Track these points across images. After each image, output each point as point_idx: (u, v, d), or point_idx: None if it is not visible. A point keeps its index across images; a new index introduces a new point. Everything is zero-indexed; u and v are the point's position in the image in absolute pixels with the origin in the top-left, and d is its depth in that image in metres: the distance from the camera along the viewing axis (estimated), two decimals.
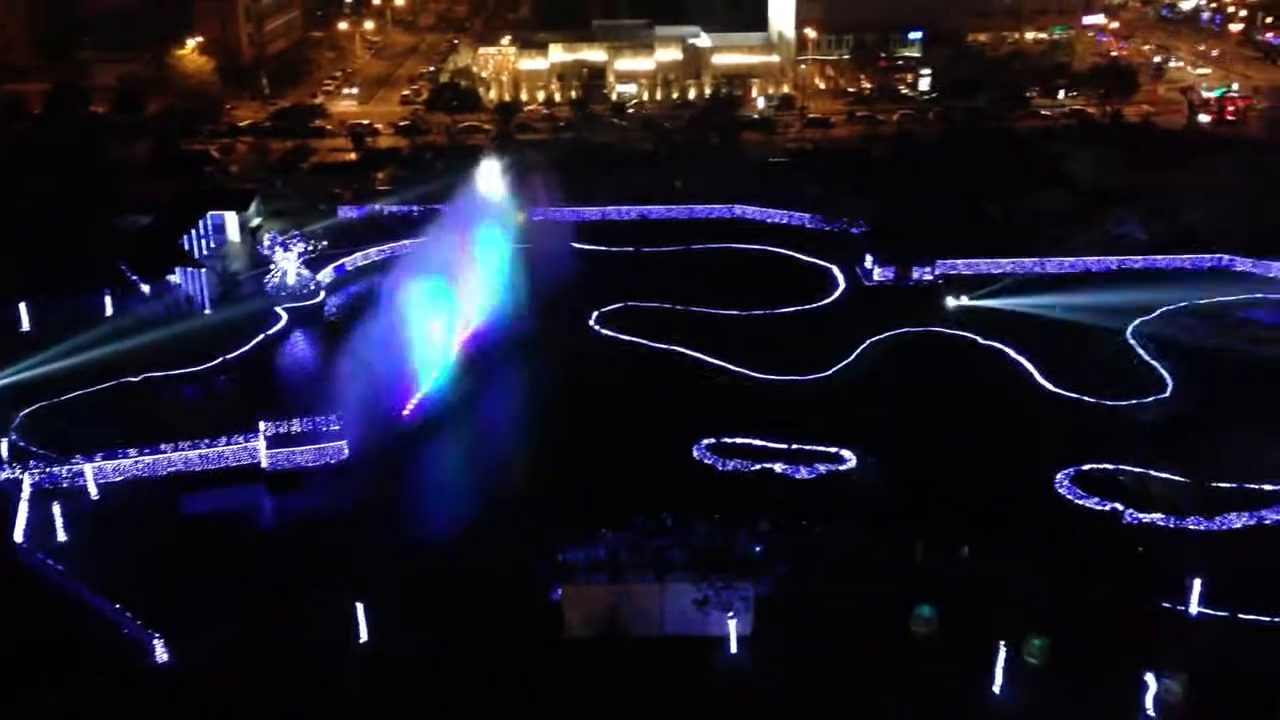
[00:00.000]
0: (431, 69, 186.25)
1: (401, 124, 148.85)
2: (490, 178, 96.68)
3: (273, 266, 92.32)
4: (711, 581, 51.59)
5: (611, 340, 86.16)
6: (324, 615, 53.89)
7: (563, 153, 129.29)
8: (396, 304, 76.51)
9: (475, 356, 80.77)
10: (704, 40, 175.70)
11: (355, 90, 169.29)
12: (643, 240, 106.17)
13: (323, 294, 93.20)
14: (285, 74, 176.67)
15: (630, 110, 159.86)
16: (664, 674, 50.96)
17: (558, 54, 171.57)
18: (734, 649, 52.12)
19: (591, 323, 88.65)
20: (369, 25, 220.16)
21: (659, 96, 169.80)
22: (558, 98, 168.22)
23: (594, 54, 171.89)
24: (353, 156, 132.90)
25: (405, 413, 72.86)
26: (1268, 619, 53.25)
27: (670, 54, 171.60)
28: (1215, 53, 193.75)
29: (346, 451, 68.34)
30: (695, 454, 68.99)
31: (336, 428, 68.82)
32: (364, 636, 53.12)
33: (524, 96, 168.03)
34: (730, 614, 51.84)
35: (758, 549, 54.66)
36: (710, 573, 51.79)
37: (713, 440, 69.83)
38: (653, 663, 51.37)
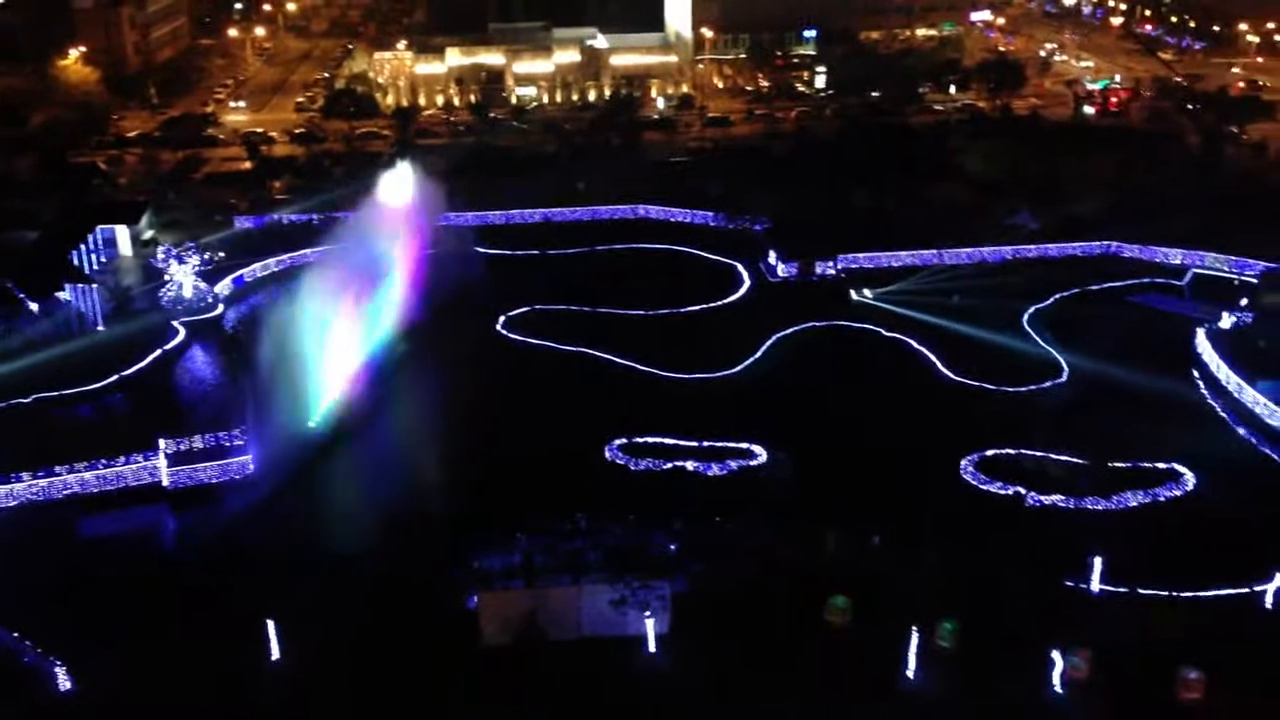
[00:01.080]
0: (326, 75, 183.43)
1: (297, 132, 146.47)
2: (391, 184, 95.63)
3: (168, 280, 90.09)
4: (628, 582, 51.74)
5: (519, 344, 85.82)
6: (233, 634, 52.74)
7: (464, 157, 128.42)
8: (299, 315, 75.24)
9: (382, 366, 79.75)
10: (601, 42, 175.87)
11: (243, 103, 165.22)
12: (548, 243, 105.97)
13: (221, 307, 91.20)
14: (174, 83, 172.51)
15: (530, 113, 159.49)
16: (583, 676, 50.90)
17: (455, 58, 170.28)
18: (652, 648, 52.27)
19: (499, 327, 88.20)
20: (260, 31, 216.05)
21: (559, 99, 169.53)
22: (456, 102, 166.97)
23: (492, 57, 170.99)
24: (247, 166, 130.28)
25: (312, 424, 71.65)
26: (1165, 593, 54.99)
27: (568, 56, 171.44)
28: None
29: (252, 466, 66.98)
30: (608, 455, 69.04)
31: (240, 442, 67.40)
32: (275, 654, 52.10)
33: (422, 101, 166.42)
34: (647, 613, 52.00)
35: (672, 547, 54.93)
36: (626, 573, 51.93)
37: (624, 440, 69.96)
38: (572, 666, 51.28)
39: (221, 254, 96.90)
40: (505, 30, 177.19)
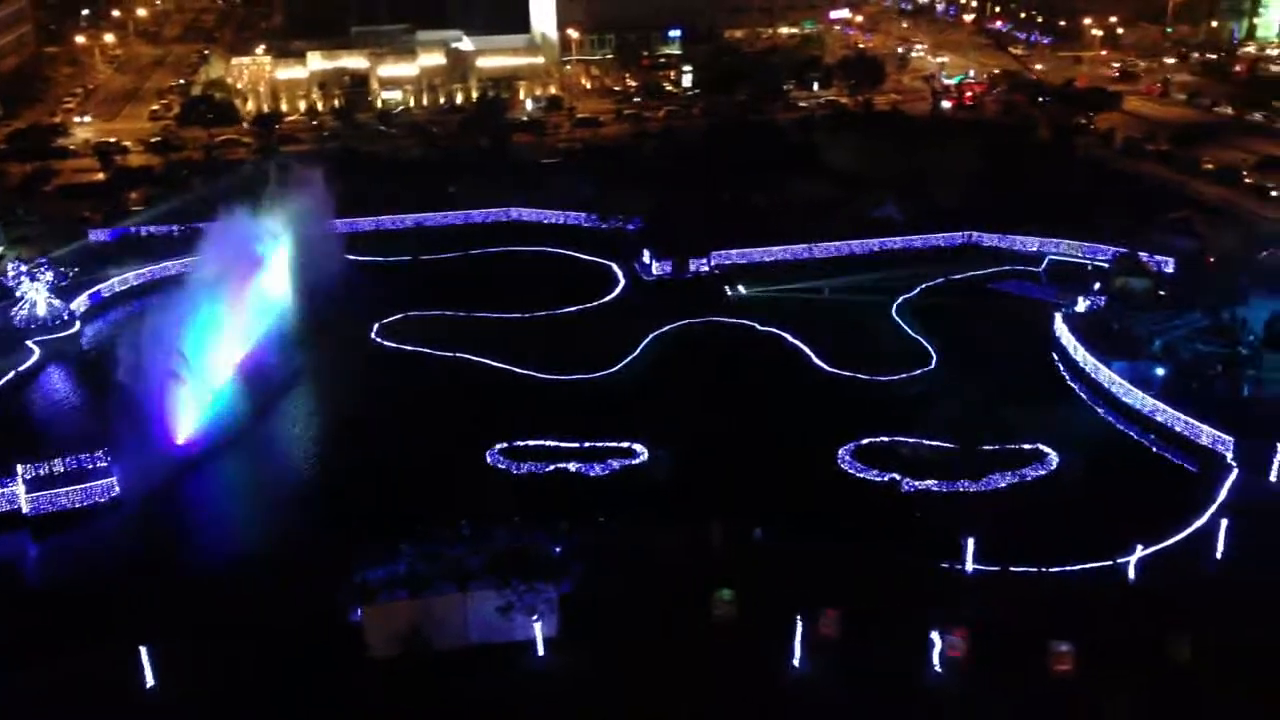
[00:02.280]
0: (181, 82, 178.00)
1: (153, 141, 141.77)
2: (254, 192, 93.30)
3: (20, 298, 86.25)
4: (514, 586, 51.35)
5: (394, 352, 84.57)
6: (105, 664, 50.73)
7: (330, 163, 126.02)
8: (162, 329, 72.83)
9: (252, 379, 77.68)
10: (467, 44, 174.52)
11: (88, 117, 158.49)
12: (419, 248, 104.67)
13: (78, 324, 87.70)
14: (19, 92, 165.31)
15: (397, 116, 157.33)
16: (472, 684, 50.36)
17: (317, 62, 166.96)
18: (541, 651, 52.01)
19: (372, 335, 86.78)
20: (109, 38, 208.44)
21: (425, 102, 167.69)
22: (320, 107, 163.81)
23: (355, 61, 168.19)
24: (101, 177, 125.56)
25: (179, 443, 69.40)
26: (1034, 569, 56.93)
27: (434, 59, 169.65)
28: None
29: (118, 489, 64.53)
30: (489, 460, 68.52)
31: (104, 464, 64.85)
32: (150, 681, 50.28)
33: (284, 107, 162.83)
34: (535, 617, 51.72)
35: (557, 549, 54.75)
36: (512, 577, 51.54)
37: (505, 445, 69.51)
38: (460, 674, 50.71)
39: (76, 269, 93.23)
40: (368, 33, 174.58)
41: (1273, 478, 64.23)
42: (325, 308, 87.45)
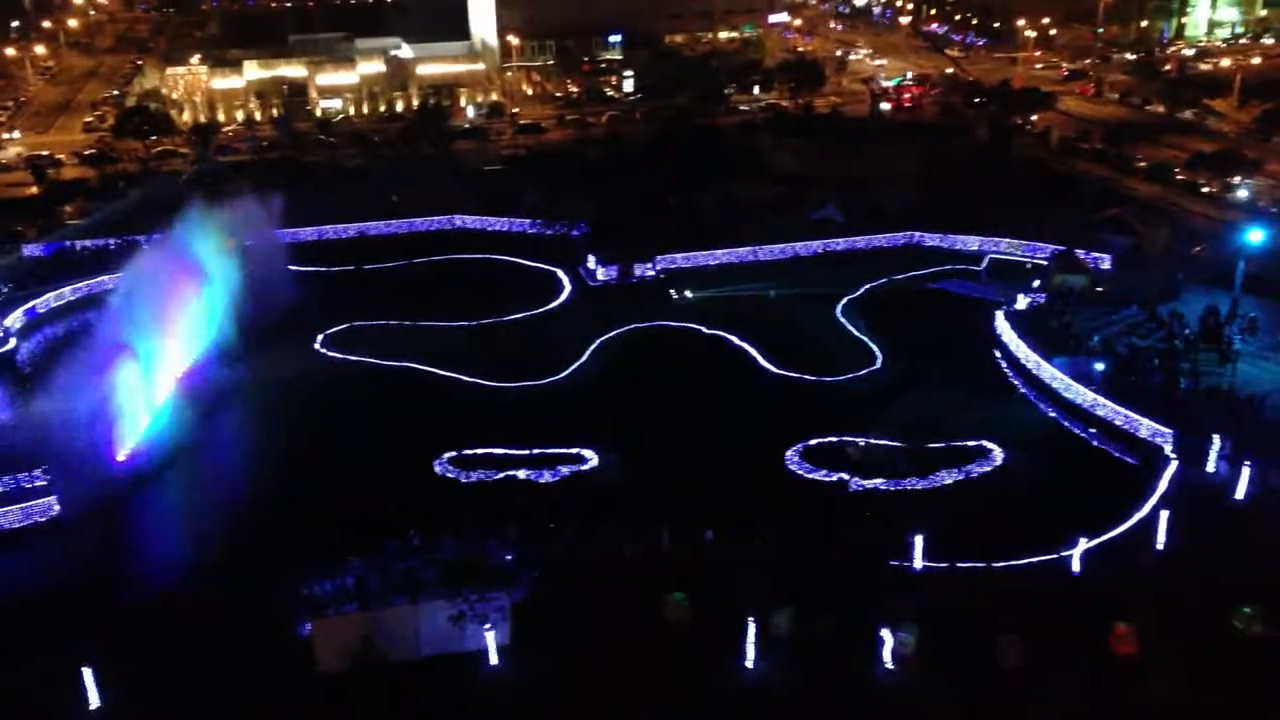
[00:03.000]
0: (116, 93, 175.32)
1: (87, 153, 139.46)
2: (193, 204, 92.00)
3: None
4: (465, 596, 51.09)
5: (340, 362, 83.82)
6: (47, 686, 49.71)
7: (269, 173, 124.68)
8: (100, 345, 71.57)
9: (195, 393, 76.62)
10: (406, 51, 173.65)
11: (17, 134, 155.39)
12: (363, 257, 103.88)
13: (13, 340, 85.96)
14: None
15: (337, 125, 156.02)
16: (425, 695, 50.03)
17: (254, 71, 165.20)
18: (494, 660, 51.78)
19: (317, 346, 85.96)
20: (40, 50, 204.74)
21: (365, 110, 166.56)
22: (258, 116, 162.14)
23: (293, 70, 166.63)
24: (34, 190, 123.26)
25: (121, 459, 68.26)
26: (982, 565, 57.65)
27: (373, 66, 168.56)
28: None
29: (58, 508, 63.29)
30: (438, 469, 68.12)
31: (43, 483, 63.57)
32: (95, 703, 49.35)
33: (221, 117, 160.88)
34: (487, 626, 51.48)
35: (509, 557, 54.56)
36: (463, 587, 51.28)
37: (454, 453, 69.14)
38: (412, 686, 50.35)
39: (9, 285, 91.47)
40: (305, 42, 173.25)
41: (1210, 468, 65.52)
42: (268, 319, 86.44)
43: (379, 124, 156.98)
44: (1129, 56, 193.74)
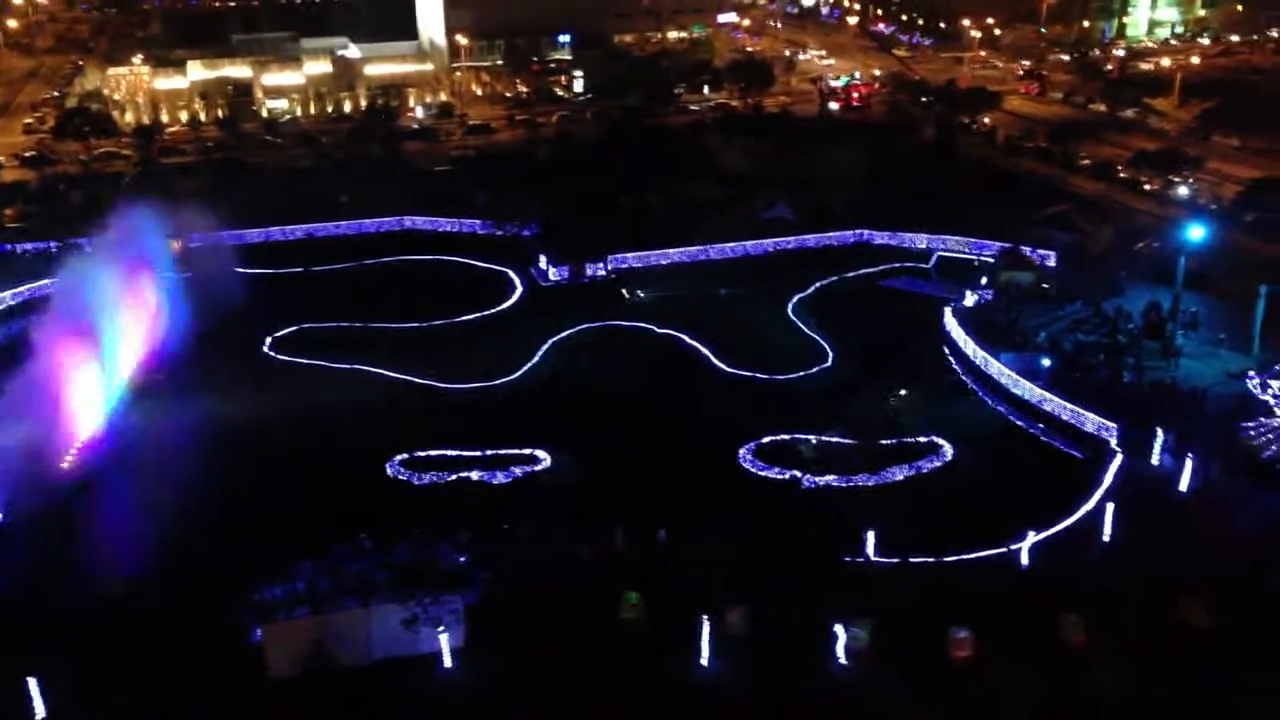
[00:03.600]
0: (56, 94, 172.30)
1: (27, 155, 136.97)
2: (136, 205, 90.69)
3: None
4: (418, 599, 50.77)
5: (290, 365, 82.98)
6: None
7: (215, 174, 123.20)
8: (42, 349, 70.30)
9: (140, 397, 75.48)
10: (354, 51, 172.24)
11: None
12: (312, 259, 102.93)
13: None
14: None
15: (283, 126, 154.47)
16: (378, 699, 49.67)
17: (198, 72, 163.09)
18: (448, 663, 51.51)
19: (266, 349, 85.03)
20: None
21: (312, 110, 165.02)
22: (203, 117, 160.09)
23: (237, 70, 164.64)
24: None
25: (65, 465, 67.08)
26: (933, 559, 58.20)
27: (320, 67, 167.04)
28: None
29: (1, 515, 62.07)
30: (390, 471, 67.62)
31: None
32: (40, 713, 48.47)
33: (165, 118, 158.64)
34: (440, 628, 51.20)
35: (462, 559, 54.29)
36: (416, 590, 50.96)
37: (406, 456, 68.67)
38: (365, 690, 49.95)
39: None
40: (250, 41, 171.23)
41: (1154, 461, 66.60)
42: (215, 322, 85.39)
43: (326, 124, 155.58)
44: (1064, 57, 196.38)
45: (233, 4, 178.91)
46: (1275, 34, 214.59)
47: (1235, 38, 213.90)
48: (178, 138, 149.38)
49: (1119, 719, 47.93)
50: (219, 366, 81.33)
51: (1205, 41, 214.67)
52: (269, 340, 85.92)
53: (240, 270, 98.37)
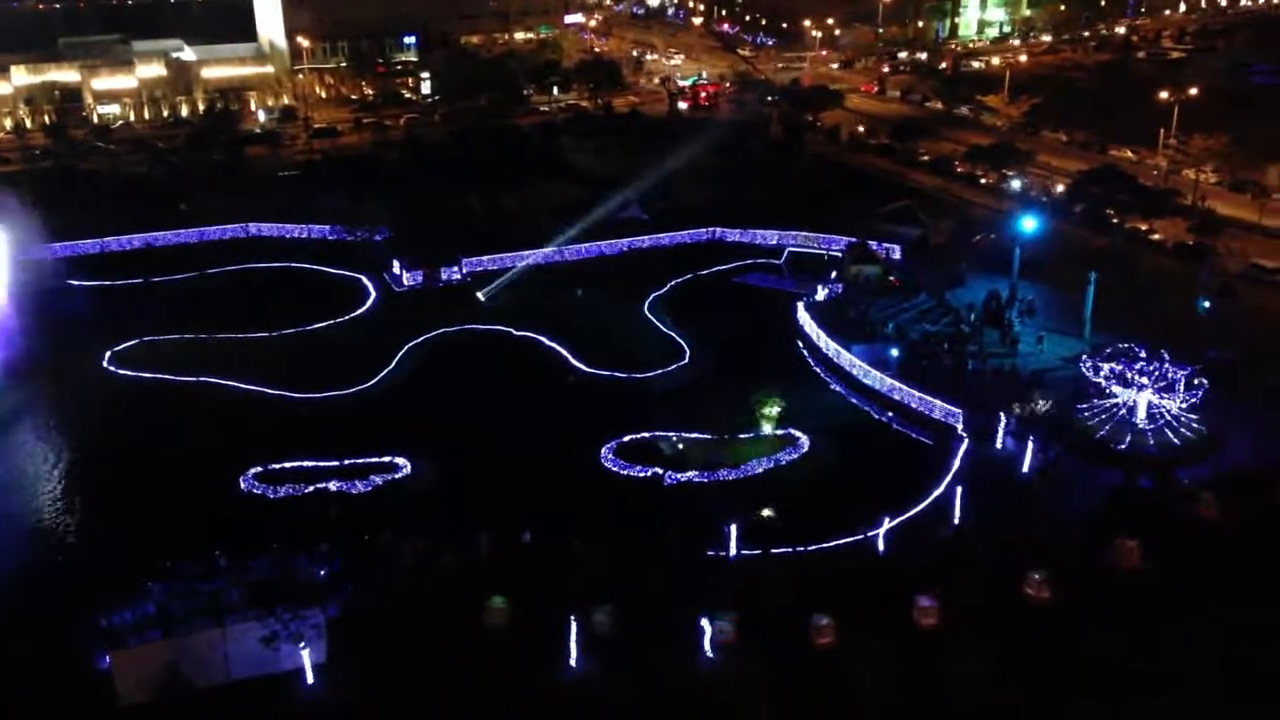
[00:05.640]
0: None
1: None
2: None
3: None
4: (277, 615, 49.40)
5: (131, 380, 79.78)
6: None
7: (44, 184, 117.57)
8: None
9: None
10: (189, 54, 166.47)
11: None
12: (151, 269, 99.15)
13: None
14: None
15: (117, 131, 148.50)
16: None
17: (21, 76, 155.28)
18: (310, 679, 50.30)
19: (105, 364, 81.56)
20: None
21: (147, 115, 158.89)
22: (29, 124, 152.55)
23: (65, 74, 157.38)
24: None
25: None
26: (793, 549, 59.39)
27: (153, 70, 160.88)
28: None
29: None
30: (243, 486, 65.64)
31: None
32: None
33: None
34: (302, 644, 49.96)
35: (322, 572, 53.10)
36: (275, 606, 49.58)
37: (260, 469, 66.75)
38: (224, 712, 48.43)
39: None
40: (78, 45, 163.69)
41: (998, 445, 69.28)
42: (49, 338, 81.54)
43: (163, 130, 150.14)
44: (903, 55, 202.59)
45: (58, 5, 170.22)
46: (1088, 33, 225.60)
47: (1046, 38, 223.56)
48: (1, 146, 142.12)
49: (971, 691, 49.69)
50: (54, 384, 77.64)
51: (1033, 40, 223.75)
52: (108, 355, 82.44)
53: (74, 283, 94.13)
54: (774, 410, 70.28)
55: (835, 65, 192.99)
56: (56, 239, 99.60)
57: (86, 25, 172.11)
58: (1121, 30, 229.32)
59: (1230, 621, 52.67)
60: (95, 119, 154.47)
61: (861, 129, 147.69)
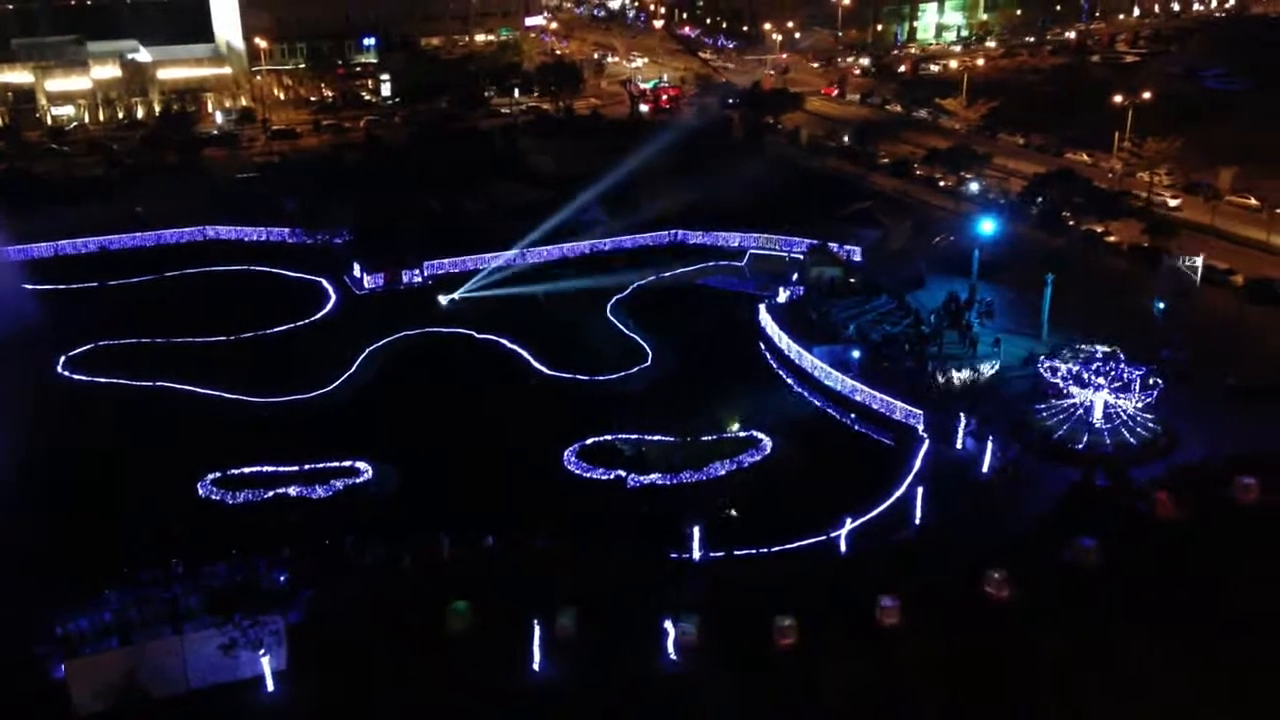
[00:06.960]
0: None
1: None
2: None
3: None
4: (237, 622, 48.89)
5: (86, 385, 78.74)
6: None
7: None
8: None
9: None
10: (145, 55, 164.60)
11: None
12: (107, 273, 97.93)
13: None
14: None
15: (71, 133, 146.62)
16: None
17: None
18: (270, 687, 49.82)
19: (59, 369, 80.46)
20: None
21: (102, 117, 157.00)
22: None
23: (17, 75, 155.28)
24: None
25: None
26: (756, 550, 59.54)
27: (108, 71, 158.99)
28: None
29: None
30: (201, 492, 64.94)
31: None
32: None
33: None
34: (261, 651, 49.46)
35: (282, 578, 52.63)
36: (234, 612, 49.05)
37: (219, 474, 66.08)
38: None
39: None
40: (30, 45, 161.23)
41: (958, 445, 69.82)
42: (1, 342, 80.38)
43: (119, 131, 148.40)
44: (865, 60, 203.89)
45: (10, 5, 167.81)
46: (1044, 38, 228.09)
47: (991, 44, 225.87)
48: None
49: (932, 690, 49.98)
50: (7, 390, 76.48)
51: (990, 44, 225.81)
52: (62, 360, 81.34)
53: (28, 287, 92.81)
54: (734, 426, 70.64)
55: (816, 64, 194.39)
56: (10, 243, 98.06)
57: (40, 26, 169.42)
58: (1072, 35, 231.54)
59: (1188, 617, 53.32)
60: (49, 121, 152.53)
61: (820, 132, 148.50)
